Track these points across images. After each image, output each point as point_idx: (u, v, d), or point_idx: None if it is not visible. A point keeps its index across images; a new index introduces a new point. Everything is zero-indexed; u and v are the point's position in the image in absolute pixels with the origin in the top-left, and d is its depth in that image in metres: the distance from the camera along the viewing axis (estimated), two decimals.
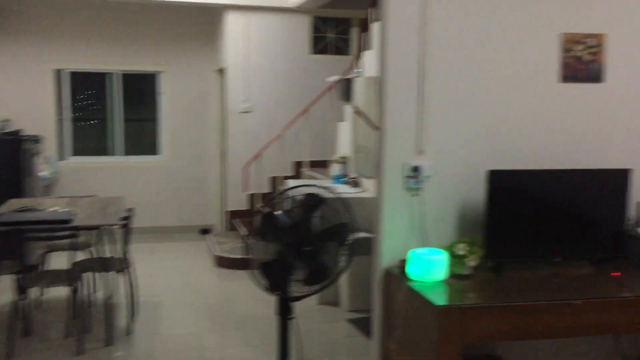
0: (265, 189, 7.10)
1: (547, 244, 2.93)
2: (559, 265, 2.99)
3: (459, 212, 3.02)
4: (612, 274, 2.89)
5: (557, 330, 2.53)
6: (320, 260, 2.70)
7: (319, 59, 7.24)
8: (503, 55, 3.00)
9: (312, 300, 4.83)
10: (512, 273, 2.86)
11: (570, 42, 3.06)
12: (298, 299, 2.77)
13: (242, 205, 7.17)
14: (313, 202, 2.73)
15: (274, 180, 7.05)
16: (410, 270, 2.74)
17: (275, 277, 2.71)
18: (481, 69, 2.99)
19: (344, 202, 2.80)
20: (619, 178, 2.97)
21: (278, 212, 2.74)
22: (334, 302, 4.83)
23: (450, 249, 2.80)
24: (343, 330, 4.32)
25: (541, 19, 3.02)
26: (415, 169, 2.94)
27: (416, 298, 2.61)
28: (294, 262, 2.69)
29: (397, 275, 2.84)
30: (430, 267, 2.69)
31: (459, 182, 3.01)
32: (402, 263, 2.88)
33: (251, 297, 5.00)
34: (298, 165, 7.01)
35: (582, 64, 3.09)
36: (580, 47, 3.07)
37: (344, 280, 4.67)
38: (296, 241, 2.68)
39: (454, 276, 2.80)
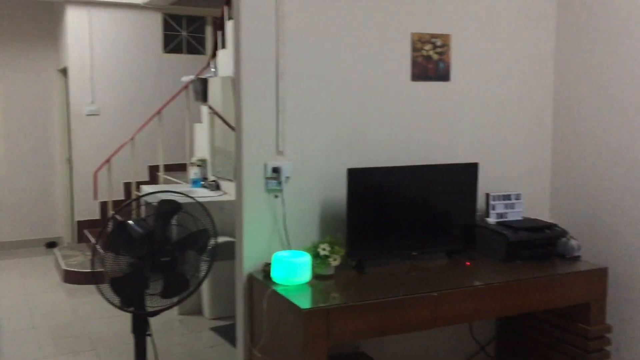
0: (120, 196, 6.68)
1: (405, 239, 3.00)
2: (416, 259, 3.08)
3: (321, 211, 3.00)
4: (466, 263, 3.02)
5: (417, 323, 2.58)
6: (178, 271, 2.53)
7: (172, 58, 6.95)
8: (358, 54, 3.03)
9: (173, 311, 4.59)
10: (373, 269, 2.89)
11: (420, 41, 3.16)
12: (155, 313, 2.58)
13: (93, 214, 6.68)
14: (169, 209, 2.55)
15: (128, 187, 6.65)
16: (275, 274, 2.66)
17: (129, 293, 2.50)
18: (337, 67, 2.98)
19: (202, 207, 2.65)
20: (468, 172, 3.12)
21: (130, 222, 2.54)
22: (197, 311, 4.64)
23: (313, 249, 2.76)
24: (207, 340, 4.14)
25: (393, 18, 3.09)
26: (275, 170, 2.87)
27: (281, 302, 2.54)
28: (150, 274, 2.50)
29: (260, 280, 2.75)
30: (293, 270, 2.62)
31: (320, 181, 2.98)
32: (267, 267, 2.79)
33: (105, 314, 4.64)
34: (154, 169, 6.67)
35: (431, 63, 3.20)
36: (428, 46, 3.18)
37: (205, 288, 4.49)
38: (151, 252, 2.49)
39: (318, 277, 2.76)
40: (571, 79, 3.42)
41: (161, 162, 5.97)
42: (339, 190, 3.02)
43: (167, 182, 6.12)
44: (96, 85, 6.61)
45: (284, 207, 2.90)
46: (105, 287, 2.47)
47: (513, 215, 3.29)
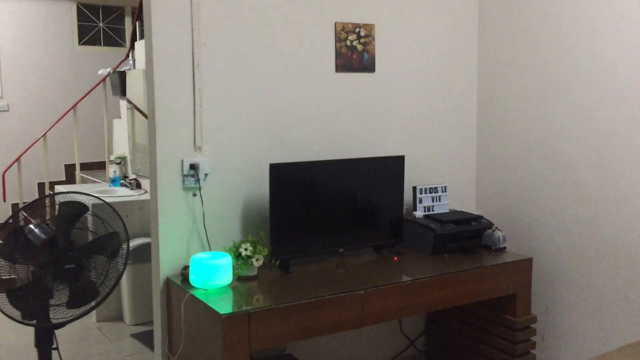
0: (34, 197, 6.26)
1: (331, 235, 2.90)
2: (343, 256, 2.98)
3: (244, 210, 2.85)
4: (394, 258, 2.96)
5: (344, 323, 2.48)
6: (85, 279, 2.33)
7: (89, 50, 6.58)
8: (280, 44, 2.89)
9: (91, 318, 4.33)
10: (298, 268, 2.77)
11: (343, 31, 3.06)
12: (61, 325, 2.36)
13: (3, 216, 6.23)
14: (73, 211, 2.34)
15: (43, 187, 6.25)
16: (193, 278, 2.50)
17: (30, 304, 2.27)
18: (258, 58, 2.84)
19: (112, 208, 2.45)
20: (395, 165, 3.05)
21: (29, 226, 2.31)
22: (117, 317, 4.38)
23: (234, 250, 2.62)
24: (127, 347, 3.92)
25: (316, 7, 2.97)
26: (193, 167, 2.69)
27: (199, 307, 2.38)
28: (53, 283, 2.28)
29: (178, 284, 2.57)
30: (213, 273, 2.47)
31: (241, 178, 2.83)
32: (185, 270, 2.62)
33: (15, 325, 4.30)
34: (72, 168, 6.30)
35: (355, 53, 3.11)
36: (352, 36, 3.09)
37: (126, 292, 4.25)
38: (54, 259, 2.27)
39: (240, 279, 2.62)
40: (494, 72, 3.42)
41: (77, 161, 5.63)
42: (262, 187, 2.87)
43: (85, 181, 5.79)
44: (4, 80, 6.17)
45: (202, 206, 2.74)
46: (2, 298, 2.24)
47: (440, 208, 3.25)
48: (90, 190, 4.60)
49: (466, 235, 3.06)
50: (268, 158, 2.88)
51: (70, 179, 6.39)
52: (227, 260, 2.51)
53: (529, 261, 2.97)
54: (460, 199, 3.52)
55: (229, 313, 2.22)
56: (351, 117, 3.13)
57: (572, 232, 3.05)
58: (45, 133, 5.46)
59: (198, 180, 2.71)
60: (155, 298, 2.74)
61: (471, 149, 3.55)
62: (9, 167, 5.67)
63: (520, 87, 3.27)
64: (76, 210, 2.31)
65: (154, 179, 2.67)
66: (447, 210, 3.26)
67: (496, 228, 3.12)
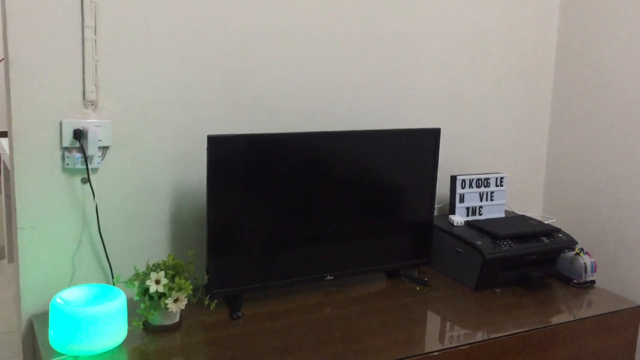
0: None
1: (313, 253, 1.80)
2: (335, 285, 1.89)
3: (173, 209, 1.76)
4: (416, 287, 1.86)
5: None
6: None
7: None
8: None
9: None
10: (254, 309, 1.69)
11: None
12: None
13: None
14: None
15: None
16: (53, 335, 1.42)
17: None
18: None
19: None
20: (424, 142, 1.92)
21: None
22: None
23: (138, 282, 1.53)
24: None
25: None
26: (79, 135, 1.59)
27: None
28: None
29: (42, 335, 1.51)
30: (88, 327, 1.39)
31: (169, 156, 1.73)
32: None
33: None
34: None
35: None
36: None
37: None
38: None
39: (150, 329, 1.54)
40: (583, 16, 2.22)
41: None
42: (203, 173, 1.77)
43: None
44: None
45: (95, 201, 1.65)
46: None
47: (491, 211, 2.12)
48: None
49: (533, 260, 1.93)
50: (215, 125, 1.77)
51: None
52: (116, 304, 1.43)
53: (637, 311, 1.83)
54: (521, 197, 2.37)
55: None
56: (357, 64, 1.98)
57: None
58: None
59: (87, 158, 1.61)
60: (17, 345, 1.69)
61: (541, 124, 2.39)
62: None
63: (623, 36, 2.07)
64: None
65: (11, 153, 1.58)
66: (502, 215, 2.13)
67: (581, 250, 1.97)
